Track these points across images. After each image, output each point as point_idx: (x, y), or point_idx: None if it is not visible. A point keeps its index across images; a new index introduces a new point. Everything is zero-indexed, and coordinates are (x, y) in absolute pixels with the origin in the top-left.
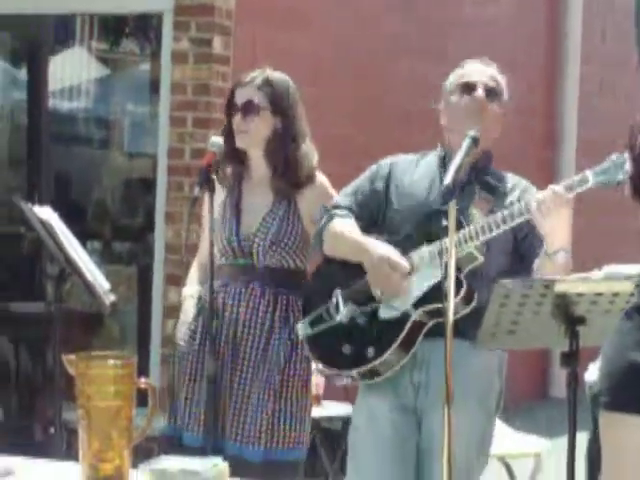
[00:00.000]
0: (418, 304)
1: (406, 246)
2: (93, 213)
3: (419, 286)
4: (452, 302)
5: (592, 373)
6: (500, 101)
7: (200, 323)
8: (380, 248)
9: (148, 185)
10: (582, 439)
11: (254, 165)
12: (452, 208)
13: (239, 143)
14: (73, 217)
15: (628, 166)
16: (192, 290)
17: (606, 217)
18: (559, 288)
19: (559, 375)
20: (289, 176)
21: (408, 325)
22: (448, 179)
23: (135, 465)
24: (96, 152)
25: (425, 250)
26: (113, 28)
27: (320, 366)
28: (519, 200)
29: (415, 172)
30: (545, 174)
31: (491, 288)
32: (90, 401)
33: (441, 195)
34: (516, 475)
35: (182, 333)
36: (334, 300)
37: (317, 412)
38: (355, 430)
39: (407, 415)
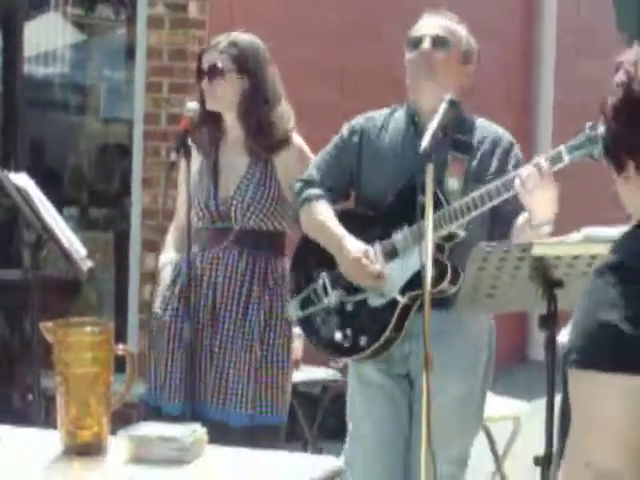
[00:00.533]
0: (405, 290)
1: (386, 223)
2: (69, 179)
3: (404, 271)
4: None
5: (564, 335)
6: (453, 50)
7: (177, 290)
8: (353, 250)
9: (124, 151)
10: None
11: (229, 128)
12: (429, 172)
13: (209, 106)
14: (49, 183)
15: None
16: (168, 257)
17: (585, 178)
18: (537, 251)
19: (538, 338)
20: (264, 138)
21: (397, 311)
22: (425, 142)
23: (114, 432)
24: (72, 118)
25: (407, 232)
26: None
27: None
28: (492, 155)
29: (386, 135)
30: (523, 141)
31: (469, 252)
32: (68, 368)
33: (418, 159)
34: (495, 438)
35: (158, 301)
36: (321, 282)
37: (296, 376)
38: (350, 397)
39: (398, 380)
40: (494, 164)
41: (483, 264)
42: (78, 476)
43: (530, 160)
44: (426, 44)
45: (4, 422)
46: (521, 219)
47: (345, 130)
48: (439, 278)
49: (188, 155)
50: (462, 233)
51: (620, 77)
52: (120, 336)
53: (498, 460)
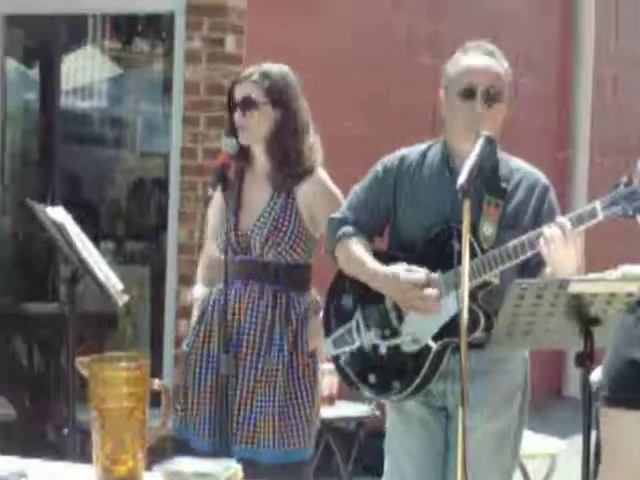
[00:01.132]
0: (438, 337)
1: (420, 266)
2: (106, 213)
3: (438, 318)
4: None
5: (597, 373)
6: (502, 100)
7: (203, 326)
8: (395, 270)
9: (161, 185)
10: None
11: (256, 160)
12: (467, 208)
13: (242, 140)
14: (86, 217)
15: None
16: (197, 292)
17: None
18: (573, 288)
19: (574, 375)
20: (289, 169)
21: (430, 358)
22: (462, 179)
23: (149, 467)
24: (109, 152)
25: (441, 279)
26: (125, 28)
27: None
28: (527, 202)
29: (421, 178)
30: (559, 173)
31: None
32: (103, 403)
33: (453, 195)
34: (530, 475)
35: (188, 337)
36: (354, 322)
37: (331, 412)
38: (388, 429)
39: (436, 412)
40: (529, 211)
41: (519, 301)
42: None
43: (567, 196)
44: (479, 103)
45: (39, 456)
46: (549, 269)
47: (380, 169)
48: (472, 327)
49: (227, 190)
50: (496, 281)
51: None
52: (155, 371)
53: None
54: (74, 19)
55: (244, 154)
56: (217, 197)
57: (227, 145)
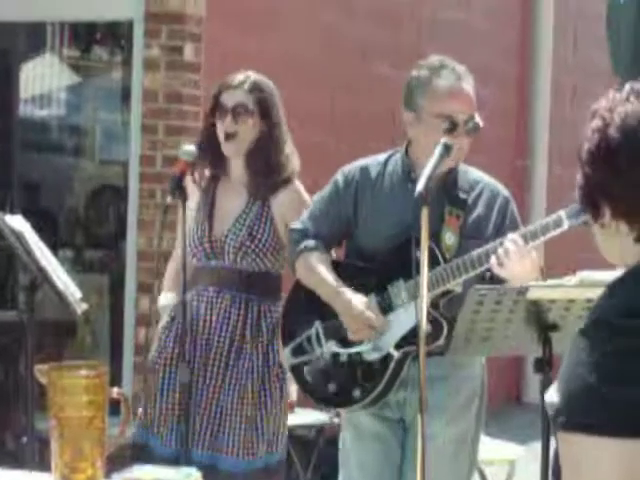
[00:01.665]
0: (399, 345)
1: (380, 275)
2: (65, 221)
3: (400, 326)
4: (423, 345)
5: (552, 394)
6: (480, 128)
7: (173, 333)
8: (355, 304)
9: (120, 193)
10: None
11: (232, 167)
12: (425, 216)
13: (227, 149)
14: (44, 225)
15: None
16: (168, 298)
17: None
18: (532, 295)
19: (533, 381)
20: (268, 179)
21: (391, 366)
22: (420, 186)
23: (108, 475)
24: (67, 160)
25: (402, 287)
26: (84, 35)
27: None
28: (489, 214)
29: (382, 189)
30: (519, 183)
31: (464, 295)
32: (62, 411)
33: (414, 204)
34: None
35: (156, 344)
36: (314, 331)
37: (291, 420)
38: (342, 442)
39: (391, 424)
40: (491, 222)
41: (478, 307)
42: None
43: (526, 205)
44: (462, 137)
45: None
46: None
47: (340, 180)
48: (435, 335)
49: (184, 198)
50: (458, 289)
51: (596, 123)
52: (115, 379)
53: None
54: (33, 27)
55: (218, 159)
56: (192, 203)
57: (184, 153)
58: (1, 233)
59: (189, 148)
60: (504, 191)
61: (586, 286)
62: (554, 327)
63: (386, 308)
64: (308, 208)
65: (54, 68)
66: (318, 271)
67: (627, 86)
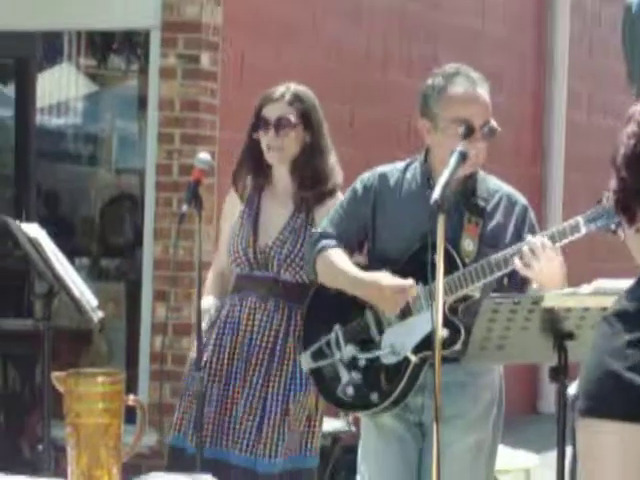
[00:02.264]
0: (417, 349)
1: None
2: (81, 230)
3: (418, 330)
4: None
5: (574, 387)
6: (497, 134)
7: (213, 336)
8: (380, 278)
9: (136, 201)
10: (571, 454)
11: (277, 178)
12: (441, 223)
13: (271, 159)
14: (61, 234)
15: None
16: (209, 303)
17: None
18: (547, 303)
19: (548, 390)
20: (314, 190)
21: (409, 370)
22: (436, 194)
23: None
24: (84, 168)
25: (421, 291)
26: (101, 44)
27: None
28: (507, 222)
29: (400, 196)
30: (534, 191)
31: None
32: (79, 418)
33: (430, 213)
34: None
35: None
36: (334, 336)
37: None
38: (362, 441)
39: (411, 427)
40: (510, 230)
41: (493, 315)
42: None
43: (542, 212)
44: (479, 142)
45: (14, 472)
46: (535, 286)
47: (359, 187)
48: (453, 340)
49: (200, 206)
50: (477, 295)
51: (632, 128)
52: (131, 386)
53: None
54: (50, 36)
55: (262, 171)
56: (230, 211)
57: (200, 161)
58: (17, 241)
59: (205, 157)
60: (522, 199)
61: (601, 294)
62: (570, 335)
63: (404, 312)
64: (326, 215)
65: (71, 77)
66: (339, 264)
67: None
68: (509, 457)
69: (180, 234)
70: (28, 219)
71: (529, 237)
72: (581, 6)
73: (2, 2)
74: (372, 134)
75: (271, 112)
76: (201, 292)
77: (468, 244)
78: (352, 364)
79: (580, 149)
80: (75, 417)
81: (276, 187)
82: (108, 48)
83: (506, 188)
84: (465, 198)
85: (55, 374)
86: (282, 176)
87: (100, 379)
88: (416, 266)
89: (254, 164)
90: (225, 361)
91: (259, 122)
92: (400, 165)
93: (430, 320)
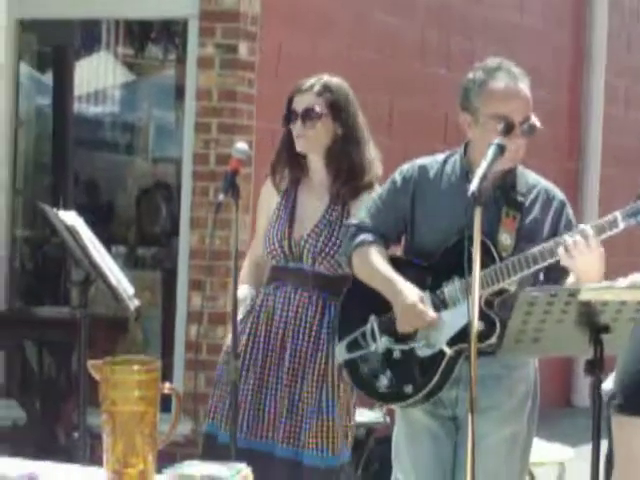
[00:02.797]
0: (452, 342)
1: (437, 273)
2: (118, 218)
3: (453, 323)
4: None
5: (609, 383)
6: (537, 130)
7: (248, 326)
8: (409, 294)
9: (173, 190)
10: (606, 447)
11: (313, 170)
12: (477, 216)
13: (299, 147)
14: (98, 222)
15: None
16: (244, 292)
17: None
18: (584, 296)
19: (583, 383)
20: (351, 182)
21: (444, 363)
22: (473, 186)
23: (159, 470)
24: (121, 157)
25: (457, 284)
26: (139, 33)
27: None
28: (544, 217)
29: (440, 189)
30: (571, 186)
31: (516, 296)
32: (114, 406)
33: (467, 205)
34: None
35: (229, 337)
36: (369, 327)
37: None
38: (395, 438)
39: (444, 422)
40: (547, 225)
41: (530, 308)
42: None
43: (579, 207)
44: (518, 138)
45: (50, 459)
46: (572, 278)
47: (398, 178)
48: (488, 333)
49: (237, 196)
50: (513, 289)
51: None
52: (166, 375)
53: None
54: (88, 24)
55: (298, 163)
56: (267, 201)
57: (237, 151)
58: (55, 229)
59: (242, 146)
60: (560, 194)
61: (638, 288)
62: (606, 329)
63: (440, 305)
64: (364, 205)
65: (109, 66)
66: (374, 262)
67: None
68: (544, 450)
69: (216, 223)
70: (65, 207)
71: (580, 226)
72: (619, 1)
73: None
74: (410, 126)
75: (299, 103)
76: (237, 281)
77: (505, 238)
78: (387, 355)
79: (617, 144)
80: (111, 405)
81: (312, 180)
82: (146, 37)
83: (544, 183)
84: (504, 192)
85: (91, 362)
86: (318, 168)
87: (136, 367)
88: (452, 259)
89: (289, 156)
90: (260, 351)
91: (290, 113)
92: (440, 157)
93: (465, 313)
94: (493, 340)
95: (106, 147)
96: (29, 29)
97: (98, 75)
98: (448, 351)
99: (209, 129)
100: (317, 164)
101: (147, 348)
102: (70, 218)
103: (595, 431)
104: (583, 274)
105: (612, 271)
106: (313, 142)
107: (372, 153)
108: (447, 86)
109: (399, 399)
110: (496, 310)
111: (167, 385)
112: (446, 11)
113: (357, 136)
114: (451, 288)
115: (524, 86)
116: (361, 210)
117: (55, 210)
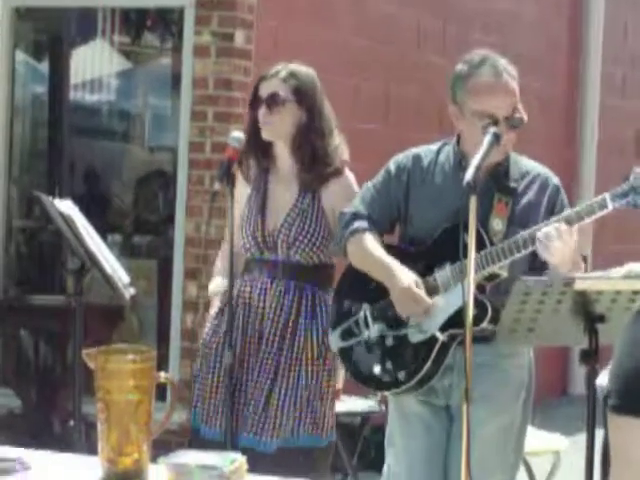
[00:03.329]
0: (445, 327)
1: (429, 260)
2: (114, 206)
3: (445, 308)
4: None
5: (604, 378)
6: (524, 123)
7: (225, 318)
8: (405, 278)
9: (169, 179)
10: (601, 436)
11: (280, 159)
12: (473, 205)
13: (264, 135)
14: (94, 210)
15: None
16: (219, 284)
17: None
18: (579, 286)
19: (579, 372)
20: (317, 170)
21: (436, 348)
22: (469, 175)
23: (154, 459)
24: (117, 145)
25: (448, 270)
26: (135, 22)
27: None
28: (539, 203)
29: (433, 178)
30: (567, 173)
31: (511, 285)
32: (109, 395)
33: (462, 193)
34: (535, 472)
35: (207, 328)
36: (362, 314)
37: (336, 407)
38: (389, 427)
39: (437, 412)
40: (541, 210)
41: (525, 298)
42: None
43: (575, 195)
44: (503, 132)
45: (45, 447)
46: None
47: (392, 168)
48: (479, 318)
49: (232, 184)
50: (504, 274)
51: None
52: (162, 364)
53: None
54: (84, 12)
55: (265, 151)
56: (240, 192)
57: (233, 139)
58: (50, 217)
59: (238, 135)
60: (554, 179)
61: (633, 277)
62: (601, 318)
63: (432, 291)
64: (358, 194)
65: (105, 54)
66: (369, 249)
67: None
68: (539, 439)
69: (212, 212)
70: (61, 195)
71: (552, 219)
72: None
73: None
74: (406, 114)
75: (264, 89)
76: (233, 271)
77: (497, 223)
78: (380, 342)
79: (613, 133)
80: (106, 394)
81: (280, 168)
82: (142, 25)
83: (539, 168)
84: (496, 179)
85: (86, 351)
86: (284, 156)
87: (131, 356)
88: (444, 245)
89: (256, 145)
90: (238, 342)
91: (256, 101)
92: (434, 147)
93: (457, 298)
94: (484, 324)
95: (102, 135)
96: (25, 17)
97: (94, 63)
98: (441, 336)
99: (205, 117)
100: (283, 152)
101: (143, 337)
102: (65, 206)
103: (590, 420)
104: (558, 263)
105: (606, 260)
106: (278, 129)
107: (337, 140)
108: (443, 74)
109: (393, 386)
110: (488, 295)
111: (162, 374)
112: None
113: (322, 124)
114: (443, 273)
115: (509, 79)
116: (356, 199)
117: (50, 198)
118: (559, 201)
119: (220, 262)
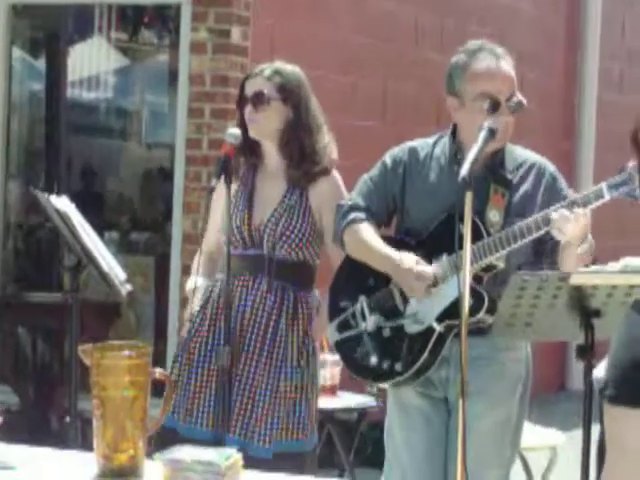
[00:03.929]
0: (441, 318)
1: (427, 250)
2: (111, 203)
3: (442, 299)
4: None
5: (601, 370)
6: (524, 106)
7: (207, 315)
8: (406, 260)
9: (166, 175)
10: (597, 432)
11: (268, 156)
12: (468, 201)
13: (251, 133)
14: (91, 207)
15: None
16: (197, 282)
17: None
18: (575, 281)
19: (577, 368)
20: (305, 167)
21: (433, 339)
22: (464, 171)
23: (150, 455)
24: (114, 142)
25: (445, 261)
26: (132, 18)
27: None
28: (535, 192)
29: (429, 171)
30: (565, 166)
31: (508, 276)
32: (105, 391)
33: (458, 188)
34: (531, 467)
35: (187, 326)
36: (359, 306)
37: (333, 403)
38: (388, 420)
39: (436, 403)
40: (538, 199)
41: (521, 292)
42: None
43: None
44: (505, 115)
45: (41, 444)
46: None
47: (388, 161)
48: (476, 308)
49: (229, 181)
50: (501, 265)
51: None
52: (159, 360)
53: None
54: (81, 9)
55: (253, 149)
56: (222, 190)
57: (230, 135)
58: (47, 214)
59: (235, 131)
60: (550, 167)
61: (629, 272)
62: (597, 313)
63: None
64: (355, 186)
65: (102, 51)
66: (367, 238)
67: None
68: (535, 434)
69: (209, 209)
70: (58, 192)
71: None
72: None
73: None
74: (404, 110)
75: (249, 87)
76: (230, 267)
77: (494, 215)
78: (377, 334)
79: (611, 127)
80: (101, 390)
81: (268, 165)
82: (139, 22)
83: (534, 157)
84: (492, 170)
85: (82, 347)
86: (272, 154)
87: (126, 352)
88: (441, 237)
89: (244, 143)
90: (220, 341)
91: (241, 98)
92: (430, 140)
93: (454, 289)
94: (481, 315)
95: (99, 132)
96: (22, 14)
97: (91, 60)
98: (437, 327)
99: (202, 114)
100: (271, 149)
101: (140, 333)
102: (62, 204)
103: (587, 416)
104: (569, 240)
105: (603, 255)
106: (264, 127)
107: (326, 138)
108: (441, 71)
109: (390, 377)
110: (485, 286)
111: (158, 370)
112: None
113: (309, 121)
114: (439, 265)
115: (507, 64)
116: (352, 191)
117: (47, 196)
118: (557, 188)
119: (199, 260)
